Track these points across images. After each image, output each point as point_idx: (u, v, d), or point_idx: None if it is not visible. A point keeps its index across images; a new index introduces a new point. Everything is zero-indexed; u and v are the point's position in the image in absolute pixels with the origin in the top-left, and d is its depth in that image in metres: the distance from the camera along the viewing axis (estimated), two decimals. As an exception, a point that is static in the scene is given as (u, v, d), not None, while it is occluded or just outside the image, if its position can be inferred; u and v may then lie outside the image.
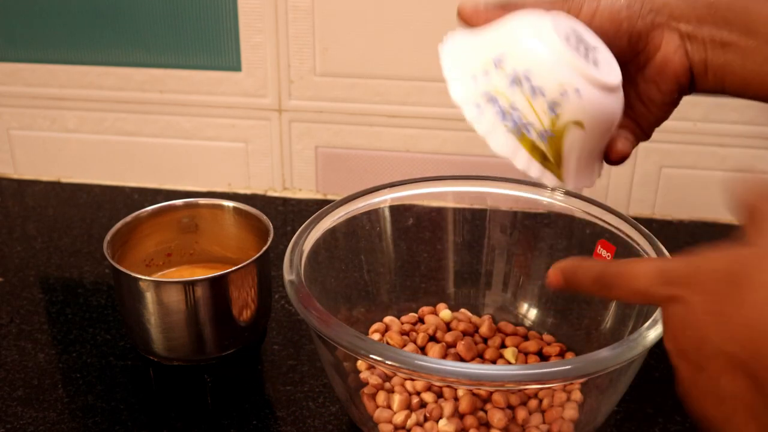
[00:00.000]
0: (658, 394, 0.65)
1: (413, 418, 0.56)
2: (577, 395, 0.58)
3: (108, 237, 0.64)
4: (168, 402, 0.64)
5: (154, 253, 0.70)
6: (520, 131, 0.46)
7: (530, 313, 0.69)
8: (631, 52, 0.48)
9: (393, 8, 0.86)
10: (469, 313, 0.69)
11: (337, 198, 0.66)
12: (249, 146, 0.95)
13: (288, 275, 0.56)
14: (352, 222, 0.65)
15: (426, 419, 0.56)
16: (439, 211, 0.70)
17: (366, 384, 0.58)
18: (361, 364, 0.60)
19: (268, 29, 0.89)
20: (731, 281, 0.32)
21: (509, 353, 0.63)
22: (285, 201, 0.96)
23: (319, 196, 0.97)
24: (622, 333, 0.60)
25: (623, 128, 0.50)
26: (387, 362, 0.48)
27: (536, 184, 0.67)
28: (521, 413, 0.56)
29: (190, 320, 0.61)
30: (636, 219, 0.64)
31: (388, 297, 0.69)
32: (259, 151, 0.95)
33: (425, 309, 0.69)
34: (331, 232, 0.64)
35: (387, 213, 0.68)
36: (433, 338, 0.64)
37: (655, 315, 0.52)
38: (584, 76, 0.44)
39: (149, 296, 0.60)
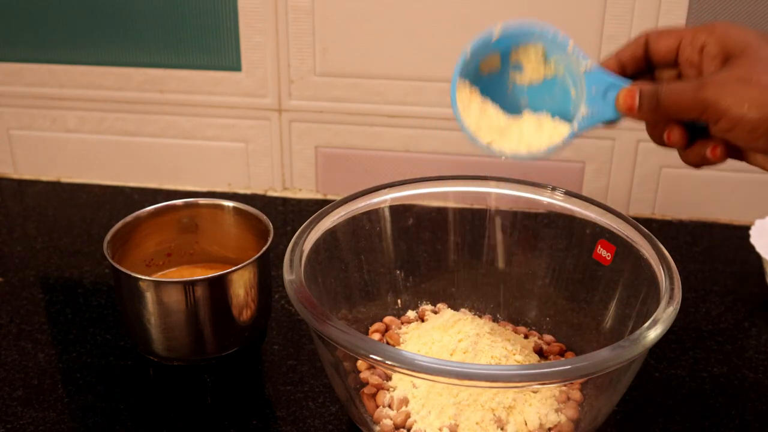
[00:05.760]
0: (658, 394, 0.65)
1: (413, 417, 0.56)
2: (577, 395, 0.58)
3: (108, 237, 0.64)
4: (168, 402, 0.64)
5: (154, 253, 0.70)
6: None
7: (530, 313, 0.69)
8: None
9: (393, 8, 0.86)
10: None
11: (337, 198, 0.66)
12: (249, 146, 0.95)
13: (288, 275, 0.56)
14: (352, 222, 0.65)
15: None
16: (439, 211, 0.70)
17: (366, 384, 0.58)
18: (361, 364, 0.60)
19: (268, 29, 0.89)
20: None
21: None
22: (285, 201, 0.96)
23: (319, 196, 0.97)
24: (622, 333, 0.60)
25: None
26: (387, 362, 0.48)
27: (536, 184, 0.67)
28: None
29: (190, 320, 0.61)
30: (636, 219, 0.64)
31: (388, 297, 0.69)
32: (259, 151, 0.95)
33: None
34: (331, 232, 0.64)
35: (387, 213, 0.68)
36: (433, 338, 0.64)
37: (655, 315, 0.52)
38: None
39: (149, 296, 0.60)
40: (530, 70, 0.55)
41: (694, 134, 0.49)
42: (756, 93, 0.44)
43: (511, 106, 0.56)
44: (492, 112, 0.55)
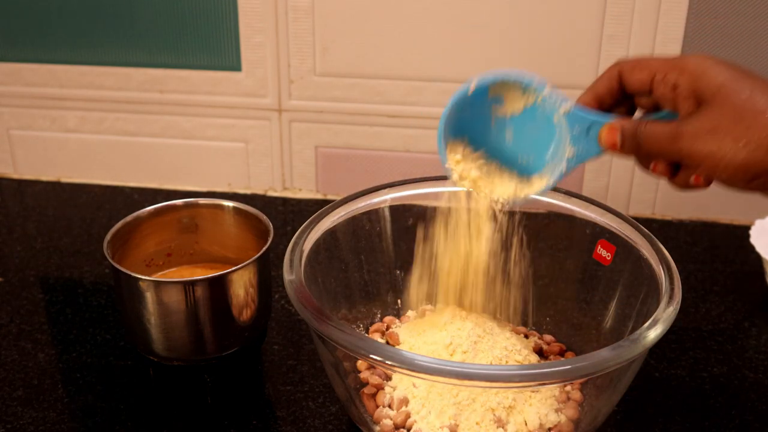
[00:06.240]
0: (658, 394, 0.65)
1: (413, 417, 0.56)
2: (577, 395, 0.58)
3: (108, 237, 0.64)
4: (168, 402, 0.64)
5: (154, 253, 0.70)
6: None
7: (530, 313, 0.69)
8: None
9: (393, 8, 0.86)
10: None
11: (337, 198, 0.66)
12: (249, 146, 0.95)
13: (288, 275, 0.56)
14: (352, 222, 0.65)
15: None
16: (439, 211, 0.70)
17: (366, 384, 0.58)
18: (361, 364, 0.60)
19: (268, 29, 0.89)
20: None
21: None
22: (285, 201, 0.96)
23: (319, 196, 0.97)
24: (622, 333, 0.60)
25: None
26: (387, 362, 0.48)
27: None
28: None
29: (190, 320, 0.61)
30: (636, 219, 0.64)
31: (388, 297, 0.69)
32: (259, 151, 0.95)
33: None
34: (331, 232, 0.64)
35: (387, 213, 0.68)
36: (433, 338, 0.64)
37: (655, 315, 0.52)
38: None
39: (149, 296, 0.60)
40: (509, 100, 0.56)
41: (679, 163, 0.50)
42: (729, 144, 0.45)
43: (497, 140, 0.57)
44: (469, 167, 0.58)
